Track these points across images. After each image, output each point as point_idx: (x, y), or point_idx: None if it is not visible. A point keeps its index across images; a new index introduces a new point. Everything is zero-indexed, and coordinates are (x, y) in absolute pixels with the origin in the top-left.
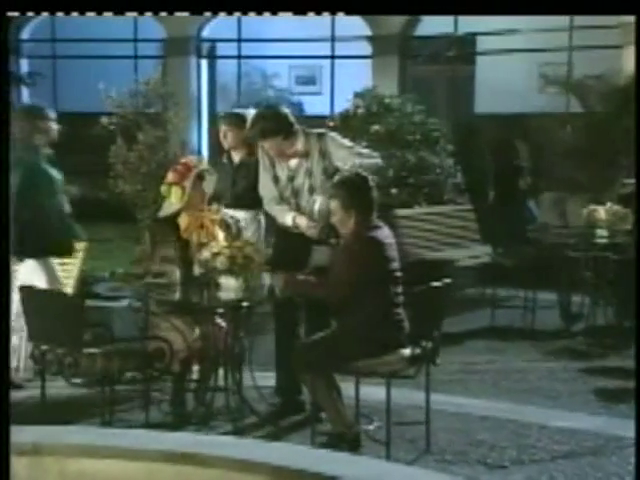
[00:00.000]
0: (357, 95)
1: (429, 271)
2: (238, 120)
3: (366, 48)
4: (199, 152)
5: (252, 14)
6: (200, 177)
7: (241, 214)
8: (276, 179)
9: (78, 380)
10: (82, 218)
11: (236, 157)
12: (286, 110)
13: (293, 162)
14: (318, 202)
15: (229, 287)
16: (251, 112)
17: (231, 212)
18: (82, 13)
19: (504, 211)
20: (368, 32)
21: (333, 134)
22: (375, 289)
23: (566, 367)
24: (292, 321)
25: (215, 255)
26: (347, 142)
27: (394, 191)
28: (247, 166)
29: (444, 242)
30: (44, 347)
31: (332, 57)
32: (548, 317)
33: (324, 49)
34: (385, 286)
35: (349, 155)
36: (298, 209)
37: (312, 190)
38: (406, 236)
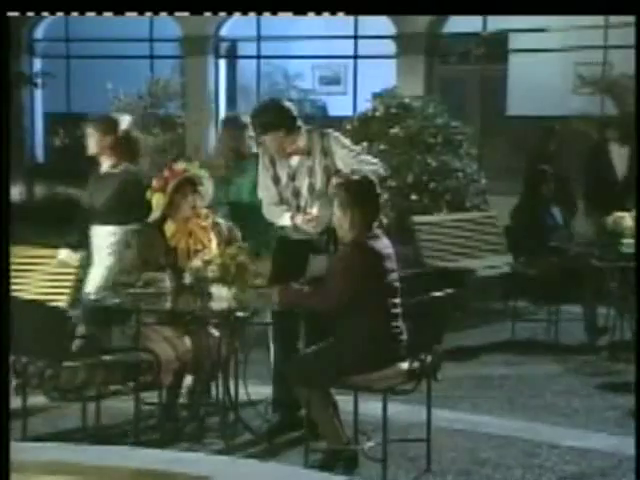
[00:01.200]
0: (376, 96)
1: (449, 281)
2: (103, 124)
3: (391, 47)
4: None
5: (252, 14)
6: (191, 183)
7: (101, 231)
8: (276, 179)
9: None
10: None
11: (102, 166)
12: (288, 104)
13: (294, 160)
14: (317, 205)
15: (221, 297)
16: (125, 118)
17: (99, 229)
18: (82, 13)
19: (526, 218)
20: (393, 30)
21: (336, 133)
22: (372, 301)
23: (585, 383)
24: (290, 333)
25: (206, 263)
26: (349, 143)
27: (414, 197)
28: (111, 177)
29: (465, 250)
30: (25, 359)
31: (355, 57)
32: (572, 330)
33: (349, 48)
34: (382, 298)
35: (350, 156)
36: (298, 210)
37: (312, 189)
38: (426, 244)
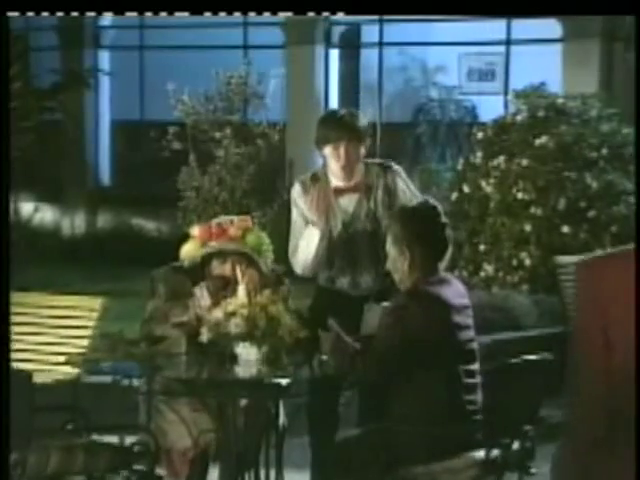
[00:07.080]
0: (518, 95)
1: None
2: None
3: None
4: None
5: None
6: (245, 258)
7: None
8: (329, 231)
9: None
10: (140, 263)
11: None
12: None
13: (350, 202)
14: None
15: (249, 359)
16: None
17: None
18: (82, 13)
19: None
20: None
21: (399, 167)
22: (435, 368)
23: None
24: (331, 408)
25: (229, 315)
26: (411, 183)
27: (567, 229)
28: None
29: None
30: None
31: (507, 43)
32: None
33: (502, 32)
34: (450, 364)
35: (413, 198)
36: (356, 266)
37: (376, 240)
38: (577, 293)
